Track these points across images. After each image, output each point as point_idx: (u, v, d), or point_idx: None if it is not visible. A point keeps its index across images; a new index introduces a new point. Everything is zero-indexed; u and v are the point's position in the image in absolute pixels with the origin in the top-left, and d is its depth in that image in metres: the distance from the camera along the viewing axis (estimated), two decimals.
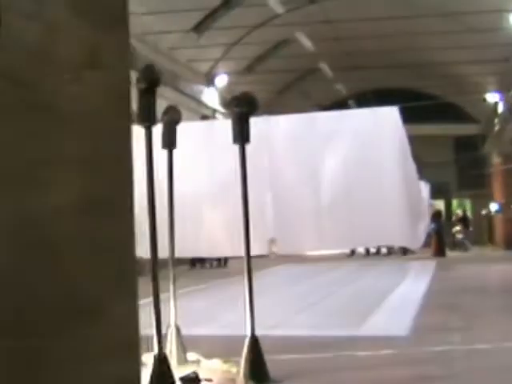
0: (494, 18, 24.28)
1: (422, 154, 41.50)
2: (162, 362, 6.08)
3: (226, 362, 7.47)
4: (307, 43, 28.17)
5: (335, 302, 13.46)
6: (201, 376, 6.35)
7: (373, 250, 31.70)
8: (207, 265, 23.46)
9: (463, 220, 29.49)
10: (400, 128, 8.54)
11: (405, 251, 29.93)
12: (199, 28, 26.52)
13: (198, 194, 8.82)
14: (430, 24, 26.80)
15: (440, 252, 28.09)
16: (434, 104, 36.52)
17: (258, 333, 9.50)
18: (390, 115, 8.58)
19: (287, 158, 8.69)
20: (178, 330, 7.86)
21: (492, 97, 32.42)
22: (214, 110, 30.27)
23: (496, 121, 33.78)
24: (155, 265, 6.26)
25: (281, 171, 8.67)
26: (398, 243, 10.44)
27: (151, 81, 6.26)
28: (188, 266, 22.75)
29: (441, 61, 31.00)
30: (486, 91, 32.39)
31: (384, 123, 8.56)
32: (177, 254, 10.73)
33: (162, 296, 8.38)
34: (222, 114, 29.41)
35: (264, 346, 8.45)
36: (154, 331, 6.15)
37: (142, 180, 8.69)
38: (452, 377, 7.00)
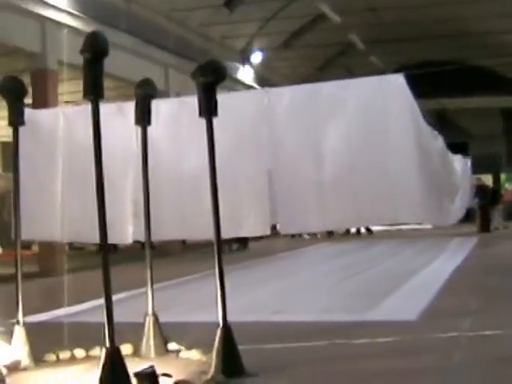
0: None
1: (471, 127, 40.69)
2: (113, 355, 5.49)
3: (205, 352, 6.87)
4: (333, 16, 27.26)
5: (355, 284, 12.77)
6: (158, 371, 5.73)
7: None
8: (226, 247, 22.58)
9: (493, 195, 28.21)
10: (408, 96, 7.84)
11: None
12: (231, 3, 25.80)
13: (197, 173, 8.23)
14: None
15: (485, 227, 27.01)
16: (481, 76, 35.45)
17: (259, 318, 9.00)
18: (395, 83, 7.86)
19: (289, 131, 8.07)
20: (156, 318, 7.30)
21: None
22: (250, 88, 29.58)
23: None
24: (106, 253, 5.66)
25: (282, 146, 8.05)
26: (414, 220, 9.69)
27: (97, 50, 5.64)
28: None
29: (485, 30, 29.84)
30: None
31: (390, 91, 7.85)
32: (175, 236, 10.20)
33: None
34: None
35: (258, 334, 7.96)
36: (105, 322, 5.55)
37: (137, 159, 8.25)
38: (449, 369, 6.29)
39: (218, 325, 6.32)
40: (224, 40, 27.66)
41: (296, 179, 7.95)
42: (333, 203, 7.86)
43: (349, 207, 7.82)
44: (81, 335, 7.75)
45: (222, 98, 8.87)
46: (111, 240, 10.37)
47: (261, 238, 21.28)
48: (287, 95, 8.22)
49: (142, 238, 9.71)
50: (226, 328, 6.27)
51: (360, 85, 8.22)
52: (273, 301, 10.65)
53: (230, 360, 6.17)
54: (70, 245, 22.31)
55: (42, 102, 16.55)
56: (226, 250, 22.17)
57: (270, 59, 30.84)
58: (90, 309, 10.70)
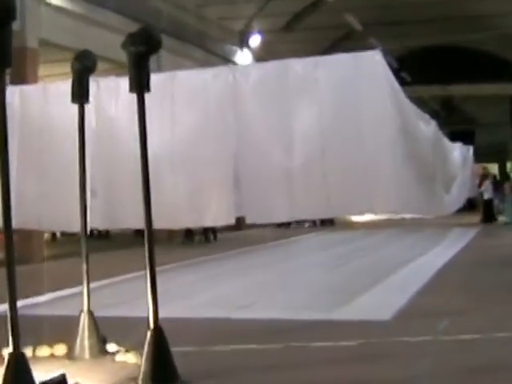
0: None
1: (477, 115, 39.75)
2: (17, 361, 4.77)
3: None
4: None
5: (337, 277, 11.97)
6: (71, 379, 5.01)
7: None
8: (196, 238, 21.67)
9: (494, 184, 27.04)
10: (387, 75, 7.15)
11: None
12: None
13: (158, 157, 7.48)
14: None
15: (488, 218, 26.03)
16: (489, 62, 34.56)
17: (219, 315, 8.26)
18: (372, 60, 7.12)
19: (255, 112, 7.43)
20: (91, 316, 6.56)
21: None
22: None
23: None
24: (10, 247, 4.90)
25: (248, 129, 7.40)
26: (393, 210, 8.89)
27: (1, 14, 4.82)
28: (182, 239, 21.12)
29: (491, 13, 28.78)
30: None
31: (367, 70, 7.13)
32: (132, 225, 9.45)
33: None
34: None
35: (211, 334, 7.31)
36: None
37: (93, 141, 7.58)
38: (411, 381, 5.55)
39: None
40: (221, 21, 26.79)
41: (263, 164, 7.35)
42: (302, 191, 7.23)
43: (319, 196, 7.15)
44: (28, 330, 7.05)
45: (185, 75, 8.18)
46: (67, 229, 9.67)
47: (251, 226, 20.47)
48: (254, 73, 7.64)
49: (99, 225, 9.03)
50: (157, 330, 5.53)
51: (333, 62, 7.50)
52: (240, 296, 9.86)
53: (160, 366, 5.45)
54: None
55: (20, 82, 15.79)
56: (189, 242, 21.35)
57: (271, 42, 29.93)
58: (53, 300, 9.94)
